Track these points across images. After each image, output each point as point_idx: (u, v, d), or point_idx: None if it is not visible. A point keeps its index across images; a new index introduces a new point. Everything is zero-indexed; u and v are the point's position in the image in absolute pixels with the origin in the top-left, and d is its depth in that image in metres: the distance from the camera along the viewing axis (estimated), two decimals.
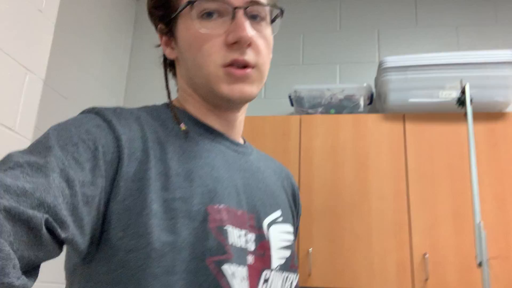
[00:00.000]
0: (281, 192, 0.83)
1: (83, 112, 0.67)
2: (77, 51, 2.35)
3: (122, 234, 0.59)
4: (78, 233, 0.54)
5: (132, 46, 2.96)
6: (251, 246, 0.69)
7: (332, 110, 2.34)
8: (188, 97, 0.77)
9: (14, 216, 0.46)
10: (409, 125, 2.20)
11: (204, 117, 0.76)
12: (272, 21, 0.75)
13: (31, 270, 0.49)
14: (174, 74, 0.81)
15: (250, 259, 0.68)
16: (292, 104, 2.45)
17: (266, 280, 0.70)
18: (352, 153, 2.20)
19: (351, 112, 2.33)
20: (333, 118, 2.27)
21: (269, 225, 0.74)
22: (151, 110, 0.74)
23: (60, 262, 0.67)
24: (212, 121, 0.76)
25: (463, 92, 1.41)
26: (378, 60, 2.65)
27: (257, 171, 0.79)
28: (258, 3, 0.70)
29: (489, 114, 2.13)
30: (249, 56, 0.69)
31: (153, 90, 2.77)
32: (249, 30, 0.67)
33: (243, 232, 0.68)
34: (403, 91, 2.18)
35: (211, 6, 0.69)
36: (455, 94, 2.09)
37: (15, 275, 0.44)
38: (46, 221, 0.48)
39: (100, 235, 0.60)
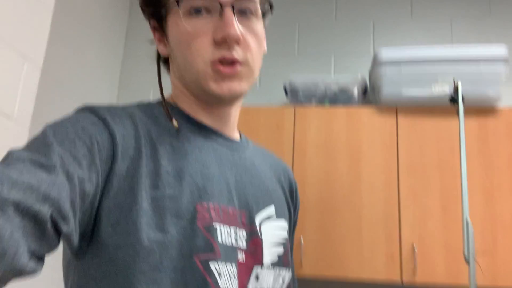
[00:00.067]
0: (276, 187, 0.83)
1: (77, 110, 0.68)
2: (72, 38, 2.34)
3: (111, 230, 0.60)
4: (75, 228, 0.55)
5: (127, 33, 2.95)
6: (242, 243, 0.69)
7: (327, 102, 2.36)
8: (180, 93, 0.77)
9: (22, 210, 0.47)
10: (402, 118, 2.23)
11: (196, 114, 0.76)
12: (264, 14, 0.74)
13: (36, 260, 0.51)
14: (169, 70, 0.80)
15: (241, 256, 0.68)
16: (286, 94, 2.47)
17: (257, 277, 0.70)
18: (345, 145, 2.22)
19: (345, 104, 2.35)
20: (327, 111, 2.29)
21: (262, 221, 0.74)
22: (145, 107, 0.74)
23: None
24: (204, 117, 0.76)
25: (455, 90, 1.44)
26: (373, 51, 2.67)
27: (251, 167, 0.79)
28: None
29: (480, 109, 2.16)
30: (237, 52, 0.68)
31: (147, 77, 2.78)
32: (236, 27, 0.67)
33: (233, 229, 0.68)
34: (396, 85, 2.20)
35: (198, 3, 0.68)
36: (447, 88, 2.12)
37: (25, 260, 0.47)
38: (51, 215, 0.50)
39: (92, 231, 0.61)
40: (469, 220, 1.34)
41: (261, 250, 0.72)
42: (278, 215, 0.79)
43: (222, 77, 0.68)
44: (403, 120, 2.22)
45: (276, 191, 0.82)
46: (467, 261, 1.30)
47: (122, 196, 0.61)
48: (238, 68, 0.69)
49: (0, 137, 1.40)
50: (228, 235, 0.66)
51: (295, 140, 2.27)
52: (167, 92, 0.79)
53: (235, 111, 0.80)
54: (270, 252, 0.74)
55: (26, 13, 1.49)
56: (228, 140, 0.78)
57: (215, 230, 0.65)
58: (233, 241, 0.67)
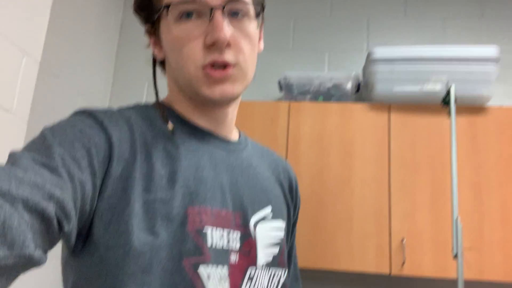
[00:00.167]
0: (274, 187, 0.83)
1: (75, 113, 0.68)
2: (68, 30, 2.35)
3: (103, 231, 0.60)
4: (75, 227, 0.56)
5: (122, 25, 2.95)
6: (236, 245, 0.69)
7: (321, 98, 2.39)
8: (175, 96, 0.77)
9: (31, 207, 0.48)
10: (394, 115, 2.26)
11: (192, 116, 0.76)
12: (258, 14, 0.73)
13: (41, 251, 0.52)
14: (166, 72, 0.80)
15: (234, 258, 0.69)
16: (281, 89, 2.49)
17: (251, 278, 0.71)
18: (338, 141, 2.26)
19: (338, 100, 2.38)
20: (321, 106, 2.32)
21: (257, 222, 0.74)
22: (141, 110, 0.74)
23: None
24: (199, 119, 0.76)
25: (448, 93, 1.48)
26: (366, 49, 2.70)
27: (248, 167, 0.79)
28: (237, 0, 0.68)
29: (470, 108, 2.20)
30: (228, 55, 0.68)
31: (141, 69, 2.79)
32: (226, 30, 0.66)
33: (225, 232, 0.68)
34: (389, 82, 2.24)
35: (187, 7, 0.68)
36: (439, 87, 2.16)
37: (33, 248, 0.47)
38: (55, 213, 0.51)
39: (88, 231, 0.61)
40: (458, 219, 1.38)
41: (255, 251, 0.72)
42: (275, 215, 0.79)
43: (213, 80, 0.68)
44: (395, 117, 2.26)
45: (273, 191, 0.82)
46: (455, 257, 1.34)
47: (115, 198, 0.62)
48: (230, 71, 0.68)
49: (0, 130, 1.42)
50: (220, 238, 0.67)
51: (289, 134, 2.30)
52: (163, 94, 0.79)
53: (232, 112, 0.80)
54: (265, 253, 0.74)
55: (25, 8, 1.51)
56: (224, 141, 0.78)
57: (205, 233, 0.65)
58: (225, 243, 0.67)
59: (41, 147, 0.57)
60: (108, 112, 0.68)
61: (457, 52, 2.19)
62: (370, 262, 2.09)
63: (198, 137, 0.74)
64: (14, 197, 0.47)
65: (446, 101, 1.48)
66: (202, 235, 0.65)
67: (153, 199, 0.63)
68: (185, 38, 0.68)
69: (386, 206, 2.14)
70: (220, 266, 0.66)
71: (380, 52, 2.25)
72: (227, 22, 0.67)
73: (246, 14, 0.70)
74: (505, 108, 2.21)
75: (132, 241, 0.60)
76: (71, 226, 0.55)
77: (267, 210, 0.77)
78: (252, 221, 0.74)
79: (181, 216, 0.64)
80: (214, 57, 0.67)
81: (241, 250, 0.70)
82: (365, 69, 2.38)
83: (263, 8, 0.74)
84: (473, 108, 2.21)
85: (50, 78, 2.18)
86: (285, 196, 0.86)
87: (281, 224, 0.80)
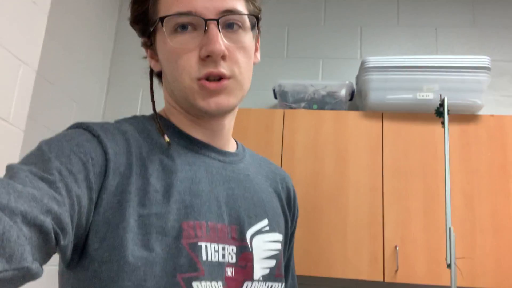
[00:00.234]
0: (272, 198, 0.82)
1: (71, 127, 0.68)
2: (64, 38, 2.36)
3: (98, 245, 0.60)
4: (71, 241, 0.57)
5: (116, 33, 2.96)
6: (232, 259, 0.69)
7: (315, 106, 2.41)
8: (171, 108, 0.77)
9: (29, 221, 0.48)
10: (387, 123, 2.28)
11: (188, 129, 0.76)
12: (253, 26, 0.73)
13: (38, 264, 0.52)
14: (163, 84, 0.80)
15: (230, 272, 0.68)
16: (275, 97, 2.51)
17: None
18: (332, 148, 2.27)
19: (332, 108, 2.40)
20: (315, 114, 2.34)
21: (253, 235, 0.74)
22: (138, 123, 0.74)
23: None
24: (196, 132, 0.76)
25: (441, 104, 1.51)
26: (360, 57, 2.73)
27: (245, 179, 0.78)
28: (232, 12, 0.69)
29: (462, 116, 2.23)
30: (224, 67, 0.68)
31: (136, 76, 2.80)
32: (221, 43, 0.66)
33: (221, 246, 0.68)
34: (382, 91, 2.26)
35: (182, 20, 0.68)
36: (432, 95, 2.19)
37: (31, 261, 0.48)
38: (53, 228, 0.51)
39: (83, 245, 0.62)
40: (452, 229, 1.40)
41: (251, 264, 0.72)
42: (271, 228, 0.78)
43: (208, 93, 0.68)
44: (388, 125, 2.28)
45: (270, 203, 0.81)
46: (449, 266, 1.36)
47: (110, 212, 0.62)
48: (225, 83, 0.68)
49: None
50: (215, 252, 0.67)
51: (283, 142, 2.31)
52: (160, 106, 0.80)
53: (229, 123, 0.79)
54: (261, 266, 0.74)
55: (22, 16, 1.51)
56: (221, 153, 0.77)
57: (200, 248, 0.65)
58: (220, 258, 0.67)
59: (39, 161, 0.58)
60: (104, 126, 0.68)
61: (449, 61, 2.22)
62: (363, 269, 2.10)
63: (194, 149, 0.74)
64: (13, 210, 0.47)
65: (439, 112, 1.51)
66: (196, 249, 0.64)
67: (148, 214, 0.63)
68: (180, 50, 0.68)
69: (380, 214, 2.16)
70: (214, 282, 0.65)
71: (374, 60, 2.28)
72: (222, 35, 0.67)
73: (241, 26, 0.71)
74: (496, 116, 2.23)
75: (126, 255, 0.59)
76: (68, 240, 0.55)
77: (263, 223, 0.77)
78: (249, 234, 0.73)
79: (175, 230, 0.64)
80: (209, 69, 0.67)
81: (237, 264, 0.70)
82: (358, 78, 2.41)
83: (258, 20, 0.75)
84: (465, 116, 2.23)
85: (45, 84, 2.19)
86: (282, 207, 0.86)
87: (277, 236, 0.79)
